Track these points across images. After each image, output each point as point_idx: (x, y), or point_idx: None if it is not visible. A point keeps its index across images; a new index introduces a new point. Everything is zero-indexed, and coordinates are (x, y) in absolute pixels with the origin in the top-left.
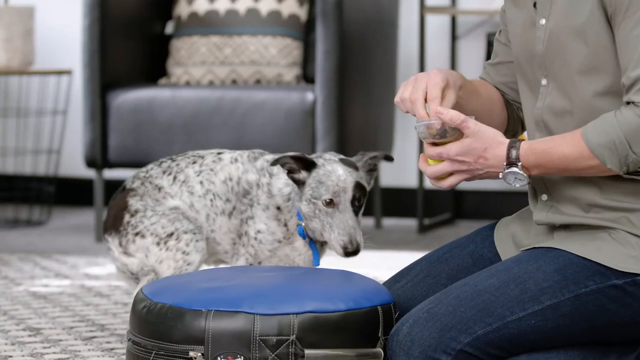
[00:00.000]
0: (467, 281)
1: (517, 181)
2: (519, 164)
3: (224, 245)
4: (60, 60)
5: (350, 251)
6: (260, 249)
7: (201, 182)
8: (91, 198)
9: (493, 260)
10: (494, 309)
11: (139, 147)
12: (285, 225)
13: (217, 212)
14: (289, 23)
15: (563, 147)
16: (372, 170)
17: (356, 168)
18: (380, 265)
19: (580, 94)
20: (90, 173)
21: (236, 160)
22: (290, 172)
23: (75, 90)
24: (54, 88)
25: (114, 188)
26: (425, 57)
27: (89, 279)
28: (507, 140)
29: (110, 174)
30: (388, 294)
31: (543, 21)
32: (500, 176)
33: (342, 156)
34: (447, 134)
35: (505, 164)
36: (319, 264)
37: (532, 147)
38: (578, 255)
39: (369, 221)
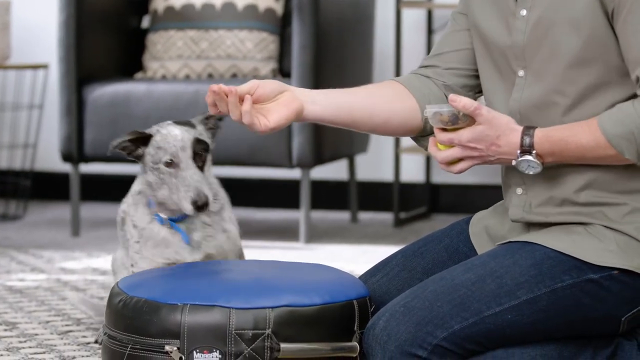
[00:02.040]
0: (444, 275)
1: (530, 168)
2: (534, 151)
3: None
4: (36, 55)
5: (200, 205)
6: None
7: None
8: (67, 192)
9: (468, 254)
10: (471, 303)
11: None
12: (135, 227)
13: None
14: (265, 17)
15: (580, 136)
16: (213, 128)
17: (193, 126)
18: (357, 259)
19: (570, 86)
20: (66, 167)
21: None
22: (130, 153)
23: (52, 84)
24: (30, 82)
25: (90, 182)
26: (401, 50)
27: (65, 273)
28: (521, 127)
29: (86, 168)
30: (364, 288)
31: (524, 12)
32: (513, 163)
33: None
34: (458, 120)
35: (519, 151)
36: (188, 241)
37: (547, 134)
38: (554, 250)
39: (344, 215)
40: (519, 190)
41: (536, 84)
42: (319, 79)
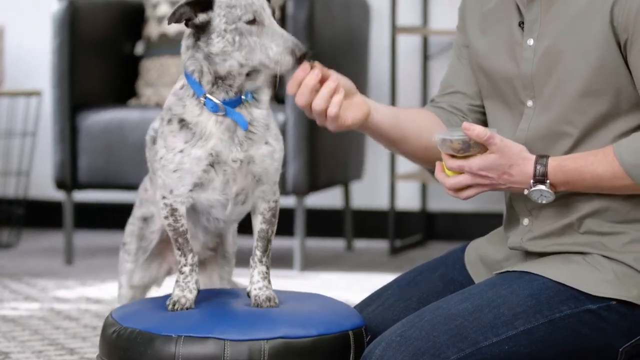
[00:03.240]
0: (441, 304)
1: (542, 198)
2: (547, 181)
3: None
4: (29, 81)
5: (299, 55)
6: (166, 174)
7: None
8: (61, 220)
9: (463, 283)
10: (467, 334)
11: (109, 169)
12: (182, 122)
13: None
14: None
15: (595, 166)
16: None
17: None
18: (352, 287)
19: (579, 116)
20: (59, 195)
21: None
22: (188, 22)
23: (45, 111)
24: (23, 109)
25: (84, 210)
26: (396, 77)
27: (58, 302)
28: (533, 157)
29: (80, 195)
30: (359, 318)
31: (531, 41)
32: (525, 192)
33: None
34: (470, 148)
35: (532, 181)
36: (246, 127)
37: (561, 164)
38: (552, 280)
39: (339, 243)
40: (526, 221)
41: (543, 115)
42: None
